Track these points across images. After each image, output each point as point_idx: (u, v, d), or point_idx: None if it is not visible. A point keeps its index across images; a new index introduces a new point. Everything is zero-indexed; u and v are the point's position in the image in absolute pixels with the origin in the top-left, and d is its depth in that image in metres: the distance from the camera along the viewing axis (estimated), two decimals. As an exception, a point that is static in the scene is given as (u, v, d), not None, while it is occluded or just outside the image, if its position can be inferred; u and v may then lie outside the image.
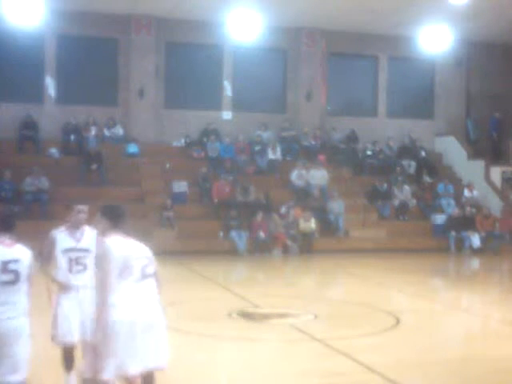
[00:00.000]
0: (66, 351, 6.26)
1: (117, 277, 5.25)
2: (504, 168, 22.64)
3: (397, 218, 20.93)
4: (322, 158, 22.08)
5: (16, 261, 5.18)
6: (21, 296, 5.21)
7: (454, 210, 20.50)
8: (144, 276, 5.47)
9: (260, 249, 18.44)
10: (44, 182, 18.63)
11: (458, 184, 22.45)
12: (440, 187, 21.71)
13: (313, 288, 14.38)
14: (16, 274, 5.16)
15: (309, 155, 22.12)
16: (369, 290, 13.06)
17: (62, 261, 6.24)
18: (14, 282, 5.15)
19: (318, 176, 21.05)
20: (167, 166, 20.85)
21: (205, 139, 21.96)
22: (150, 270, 5.54)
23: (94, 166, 19.93)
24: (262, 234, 18.47)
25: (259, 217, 18.67)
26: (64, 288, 6.22)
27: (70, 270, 6.23)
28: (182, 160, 21.42)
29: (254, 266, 17.36)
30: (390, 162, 22.79)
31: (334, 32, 22.89)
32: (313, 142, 22.77)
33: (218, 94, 23.05)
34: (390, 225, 20.51)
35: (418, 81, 24.92)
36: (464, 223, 19.93)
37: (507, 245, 20.48)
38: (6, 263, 5.09)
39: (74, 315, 6.16)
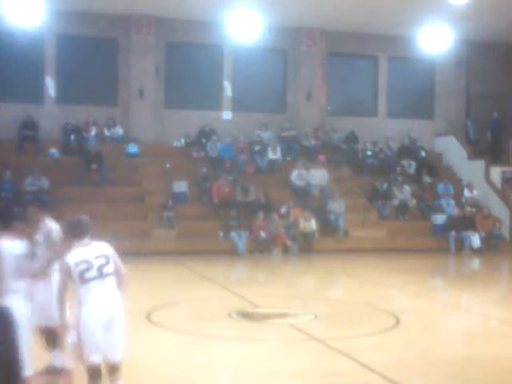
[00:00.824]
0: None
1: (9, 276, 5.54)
2: (504, 168, 22.62)
3: (397, 217, 20.93)
4: (321, 158, 22.09)
5: None
6: None
7: (454, 210, 20.50)
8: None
9: (260, 249, 18.44)
10: (44, 182, 18.64)
11: (458, 184, 22.44)
12: (440, 187, 21.71)
13: (313, 288, 14.38)
14: None
15: (309, 155, 22.13)
16: (369, 290, 13.06)
17: None
18: None
19: (318, 176, 21.05)
20: (167, 166, 20.85)
21: (204, 140, 21.96)
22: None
23: (94, 166, 19.93)
24: (262, 234, 18.47)
25: (260, 217, 18.68)
26: None
27: None
28: (182, 160, 21.41)
29: (253, 266, 17.36)
30: (390, 161, 22.79)
31: (334, 32, 22.89)
32: (313, 142, 22.77)
33: (218, 94, 23.05)
34: (390, 225, 20.51)
35: (418, 81, 24.91)
36: (464, 223, 19.93)
37: (507, 245, 20.54)
38: None
39: None
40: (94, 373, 5.62)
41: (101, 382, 5.67)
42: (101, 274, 5.64)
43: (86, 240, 5.75)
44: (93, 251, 5.71)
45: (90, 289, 5.60)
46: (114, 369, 5.75)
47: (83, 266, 5.59)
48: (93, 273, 5.61)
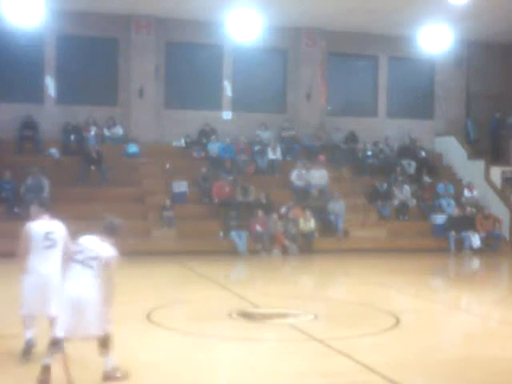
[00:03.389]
0: None
1: None
2: (504, 168, 22.62)
3: (397, 217, 20.92)
4: (322, 157, 22.09)
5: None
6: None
7: (454, 210, 20.50)
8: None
9: (259, 243, 18.38)
10: (44, 182, 18.61)
11: (458, 184, 22.44)
12: (440, 187, 21.70)
13: (313, 288, 14.39)
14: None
15: (309, 155, 22.12)
16: (369, 289, 13.06)
17: None
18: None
19: (318, 176, 21.05)
20: (167, 166, 20.85)
21: (204, 140, 21.96)
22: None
23: (94, 166, 19.94)
24: (259, 228, 18.47)
25: (259, 216, 18.69)
26: None
27: None
28: (181, 160, 21.41)
29: (254, 266, 17.36)
30: (390, 161, 22.78)
31: (334, 32, 22.89)
32: (312, 142, 22.75)
33: (218, 94, 23.04)
34: (390, 225, 20.50)
35: (418, 81, 24.91)
36: (464, 223, 19.93)
37: (507, 245, 20.54)
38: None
39: None
40: None
41: None
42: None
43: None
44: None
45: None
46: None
47: None
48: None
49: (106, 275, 6.38)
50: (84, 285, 6.34)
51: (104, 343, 6.47)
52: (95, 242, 6.47)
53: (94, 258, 6.37)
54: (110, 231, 6.57)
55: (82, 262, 6.37)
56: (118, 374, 6.57)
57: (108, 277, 6.41)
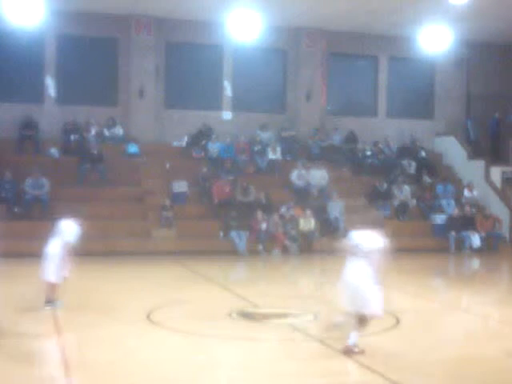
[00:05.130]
0: None
1: None
2: (504, 168, 22.63)
3: (397, 217, 20.92)
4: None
5: None
6: None
7: (454, 210, 20.50)
8: None
9: (262, 242, 18.40)
10: (44, 182, 18.63)
11: (458, 184, 22.44)
12: (440, 187, 21.70)
13: (313, 288, 14.36)
14: None
15: (311, 157, 22.11)
16: (369, 289, 13.02)
17: None
18: None
19: (318, 176, 21.05)
20: (167, 166, 20.85)
21: (202, 140, 21.93)
22: None
23: (94, 166, 19.93)
24: (264, 225, 18.48)
25: (259, 216, 18.69)
26: None
27: None
28: (182, 160, 21.42)
29: (253, 266, 17.35)
30: (390, 161, 22.78)
31: (334, 32, 22.90)
32: (318, 146, 22.74)
33: (218, 94, 23.05)
34: (390, 225, 20.45)
35: (418, 81, 24.92)
36: (464, 223, 19.93)
37: (507, 245, 20.54)
38: None
39: None
40: None
41: None
42: None
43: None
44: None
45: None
46: None
47: None
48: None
49: (379, 263, 7.49)
50: (358, 273, 7.59)
51: (362, 320, 7.58)
52: (368, 236, 7.61)
53: (368, 251, 7.53)
54: (377, 224, 7.83)
55: (358, 255, 7.61)
56: (356, 350, 7.52)
57: (380, 264, 7.50)
